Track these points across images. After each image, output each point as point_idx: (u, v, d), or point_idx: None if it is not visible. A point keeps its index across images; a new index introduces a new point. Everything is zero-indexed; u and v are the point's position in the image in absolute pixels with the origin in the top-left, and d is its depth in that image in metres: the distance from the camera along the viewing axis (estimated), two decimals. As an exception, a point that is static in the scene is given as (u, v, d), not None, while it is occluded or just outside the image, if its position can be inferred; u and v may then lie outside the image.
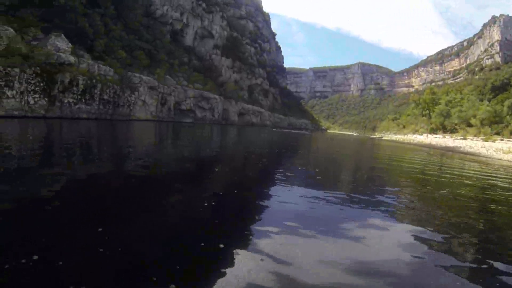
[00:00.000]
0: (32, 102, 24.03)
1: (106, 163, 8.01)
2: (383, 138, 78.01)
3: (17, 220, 3.57)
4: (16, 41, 24.35)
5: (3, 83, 21.83)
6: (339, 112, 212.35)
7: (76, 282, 2.47)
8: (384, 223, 4.76)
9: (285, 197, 5.88)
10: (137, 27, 47.19)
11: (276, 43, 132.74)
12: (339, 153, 20.33)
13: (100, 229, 3.37)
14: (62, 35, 29.70)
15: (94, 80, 31.78)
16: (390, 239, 4.14)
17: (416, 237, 4.17)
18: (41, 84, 25.14)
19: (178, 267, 2.84)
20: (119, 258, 2.89)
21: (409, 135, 66.99)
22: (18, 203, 4.11)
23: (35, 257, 2.73)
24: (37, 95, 24.53)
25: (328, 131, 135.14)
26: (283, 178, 8.11)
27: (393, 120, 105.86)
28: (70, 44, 30.16)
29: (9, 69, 22.49)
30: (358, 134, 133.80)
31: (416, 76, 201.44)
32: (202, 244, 3.33)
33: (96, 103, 32.15)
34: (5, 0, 26.40)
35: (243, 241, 3.56)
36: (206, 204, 4.80)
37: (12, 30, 24.79)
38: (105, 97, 33.86)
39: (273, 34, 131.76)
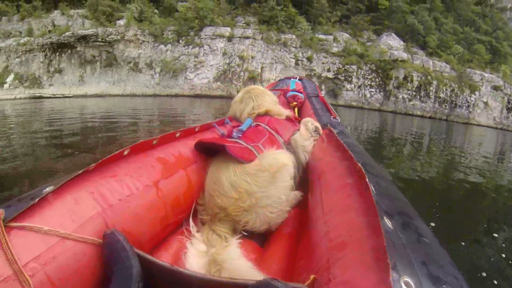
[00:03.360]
0: (368, 95, 24.27)
1: (435, 163, 7.64)
2: None
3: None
4: (352, 43, 25.70)
5: (343, 78, 23.29)
6: None
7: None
8: None
9: None
10: (471, 18, 40.08)
11: None
12: None
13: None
14: (393, 34, 28.72)
15: (429, 77, 28.24)
16: None
17: None
18: (377, 80, 24.88)
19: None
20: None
21: None
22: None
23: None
24: (373, 89, 24.51)
25: None
26: None
27: None
28: (402, 42, 28.76)
29: (347, 66, 23.81)
30: None
31: None
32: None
33: (432, 100, 28.08)
34: (337, 11, 29.23)
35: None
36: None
37: (347, 35, 26.53)
38: (441, 95, 29.09)
39: None
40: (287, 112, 1.96)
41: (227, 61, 23.89)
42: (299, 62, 23.33)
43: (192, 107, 16.99)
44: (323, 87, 23.03)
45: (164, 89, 24.52)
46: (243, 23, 25.49)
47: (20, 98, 25.83)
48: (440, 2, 36.81)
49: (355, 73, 23.91)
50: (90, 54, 26.57)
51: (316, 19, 26.83)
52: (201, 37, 24.51)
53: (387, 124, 18.67)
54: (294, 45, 23.62)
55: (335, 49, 24.34)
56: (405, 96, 25.82)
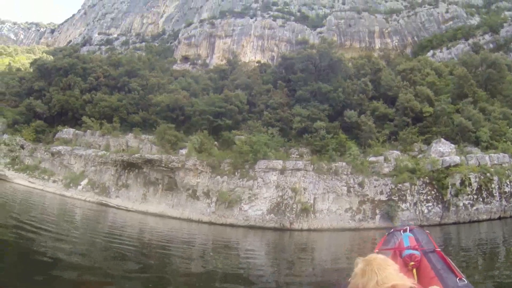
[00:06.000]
0: (426, 211, 24.85)
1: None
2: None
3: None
4: (402, 160, 26.94)
5: (397, 198, 23.80)
6: None
7: None
8: None
9: None
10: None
11: None
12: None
13: None
14: (442, 139, 29.86)
15: (488, 174, 27.53)
16: None
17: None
18: (432, 192, 25.44)
19: None
20: None
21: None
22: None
23: None
24: (429, 204, 25.16)
25: None
26: None
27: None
28: (452, 145, 29.43)
29: (400, 185, 24.47)
30: None
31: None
32: None
33: (496, 199, 27.04)
34: (385, 130, 30.73)
35: None
36: None
37: (397, 152, 28.55)
38: (506, 189, 27.92)
39: None
40: (410, 283, 1.93)
41: (280, 194, 25.71)
42: (351, 189, 24.48)
43: (246, 238, 17.75)
44: (377, 211, 23.49)
45: (219, 218, 26.44)
46: (297, 155, 27.70)
47: (89, 201, 30.30)
48: (482, 91, 36.59)
49: (409, 191, 24.47)
50: (154, 176, 30.36)
51: (365, 141, 28.35)
52: (255, 170, 26.97)
53: (451, 238, 17.76)
54: (345, 173, 25.03)
55: (386, 170, 25.37)
56: (466, 202, 25.48)
